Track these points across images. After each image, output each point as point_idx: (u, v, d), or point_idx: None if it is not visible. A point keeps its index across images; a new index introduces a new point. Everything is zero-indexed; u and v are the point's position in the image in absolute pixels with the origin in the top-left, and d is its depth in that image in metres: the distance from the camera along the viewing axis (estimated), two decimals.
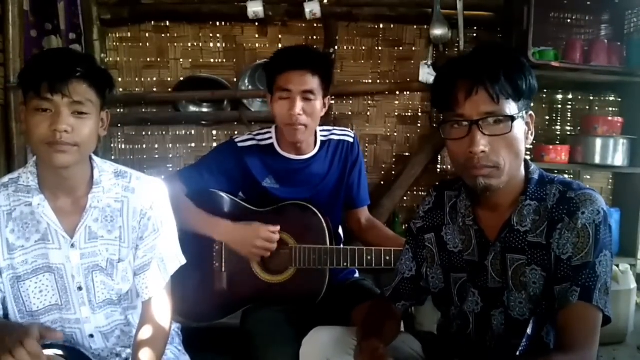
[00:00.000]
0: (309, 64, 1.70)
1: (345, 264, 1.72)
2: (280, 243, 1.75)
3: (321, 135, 1.87)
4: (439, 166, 3.19)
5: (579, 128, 3.09)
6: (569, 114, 3.18)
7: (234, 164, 1.81)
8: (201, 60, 3.10)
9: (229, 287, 1.79)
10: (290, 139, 1.75)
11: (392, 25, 3.11)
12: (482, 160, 1.11)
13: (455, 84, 1.13)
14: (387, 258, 1.70)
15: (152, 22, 3.05)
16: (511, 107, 1.11)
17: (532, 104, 1.19)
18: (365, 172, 1.97)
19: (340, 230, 2.00)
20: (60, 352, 1.30)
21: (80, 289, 1.35)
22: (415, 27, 3.09)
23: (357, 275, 1.96)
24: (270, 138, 1.84)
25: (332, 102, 3.09)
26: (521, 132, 1.14)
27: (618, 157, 2.77)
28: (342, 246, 1.79)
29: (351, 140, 1.91)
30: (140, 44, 3.07)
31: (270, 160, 1.82)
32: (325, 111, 1.80)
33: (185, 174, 1.83)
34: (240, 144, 1.83)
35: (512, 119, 1.11)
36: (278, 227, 1.72)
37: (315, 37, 3.08)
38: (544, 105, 3.14)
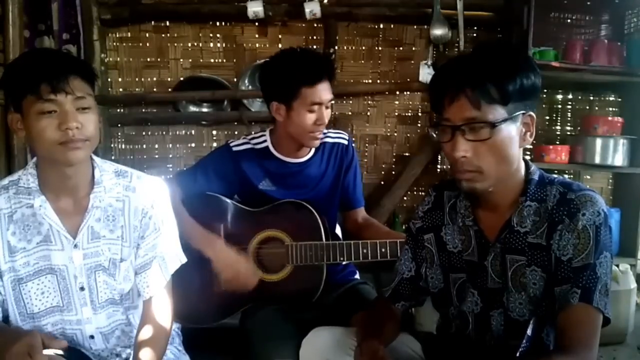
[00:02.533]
0: (330, 74, 1.75)
1: (342, 259, 1.72)
2: (276, 241, 1.76)
3: None
4: (439, 166, 3.19)
5: (579, 128, 3.09)
6: (569, 114, 3.18)
7: (230, 168, 1.82)
8: (201, 60, 3.10)
9: (227, 288, 1.79)
10: (310, 144, 1.78)
11: (392, 25, 3.11)
12: (464, 164, 1.13)
13: (443, 89, 1.14)
14: (383, 250, 1.71)
15: (152, 22, 3.05)
16: (497, 112, 1.10)
17: (534, 104, 1.15)
18: (360, 174, 1.98)
19: (338, 230, 2.00)
20: (60, 352, 1.30)
21: (82, 289, 1.35)
22: (415, 27, 3.10)
23: (357, 276, 1.96)
24: (265, 141, 1.84)
25: (332, 102, 3.08)
26: (509, 136, 1.12)
27: (618, 157, 2.78)
28: (337, 241, 1.79)
29: (345, 142, 1.91)
30: (140, 44, 3.07)
31: (266, 163, 1.83)
32: None
33: (181, 178, 1.84)
34: (235, 148, 1.84)
35: (493, 125, 1.09)
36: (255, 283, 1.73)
37: (315, 37, 3.09)
38: (544, 105, 3.14)
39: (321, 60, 1.77)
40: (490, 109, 1.10)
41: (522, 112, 1.13)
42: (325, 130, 1.91)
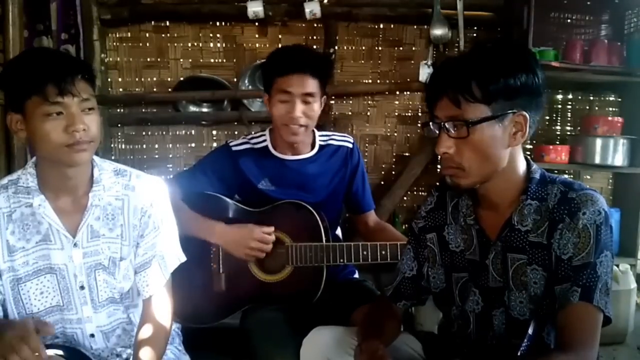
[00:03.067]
0: (310, 67, 1.70)
1: (342, 260, 1.73)
2: (276, 242, 1.76)
3: (320, 140, 1.88)
4: (439, 166, 3.18)
5: (579, 128, 3.09)
6: (569, 114, 3.18)
7: (229, 168, 1.82)
8: (201, 60, 3.10)
9: (227, 288, 1.79)
10: (288, 139, 1.76)
11: (392, 25, 3.11)
12: (446, 161, 1.16)
13: (432, 89, 1.17)
14: (383, 252, 1.71)
15: (152, 22, 3.05)
16: (478, 111, 1.10)
17: (528, 104, 1.12)
18: (367, 177, 1.98)
19: (339, 232, 2.00)
20: (60, 352, 1.30)
21: (82, 288, 1.35)
22: (415, 27, 3.09)
23: (357, 275, 1.96)
24: (265, 140, 1.85)
25: (332, 102, 3.10)
26: (490, 135, 1.12)
27: (618, 157, 2.77)
28: (337, 243, 1.79)
29: (350, 145, 1.91)
30: (140, 44, 3.07)
31: (265, 162, 1.83)
32: (320, 110, 1.80)
33: (180, 178, 1.85)
34: (234, 148, 1.84)
35: (469, 123, 1.10)
36: (272, 228, 1.73)
37: (315, 37, 3.08)
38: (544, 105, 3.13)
39: (301, 53, 1.77)
40: (471, 107, 1.11)
41: (510, 111, 1.12)
42: (330, 133, 1.92)
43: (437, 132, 1.16)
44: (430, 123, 1.19)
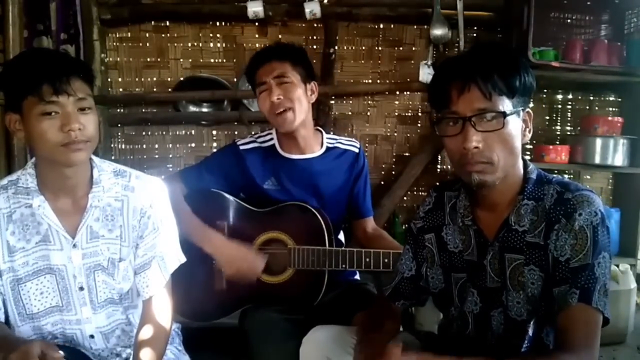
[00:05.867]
0: (274, 55, 1.76)
1: (344, 266, 1.72)
2: (279, 244, 1.75)
3: (327, 142, 1.88)
4: (439, 166, 3.19)
5: (579, 128, 3.09)
6: (569, 114, 3.18)
7: (236, 166, 1.82)
8: (201, 60, 3.10)
9: (228, 286, 1.79)
10: (281, 129, 1.77)
11: (392, 25, 3.11)
12: (476, 156, 1.13)
13: (450, 82, 1.14)
14: (386, 260, 1.70)
15: (152, 22, 3.06)
16: (505, 104, 1.12)
17: (530, 102, 1.19)
18: (370, 184, 1.98)
19: (342, 236, 2.00)
20: (60, 352, 1.30)
21: (81, 289, 1.35)
22: (415, 27, 3.10)
23: (357, 277, 1.96)
24: (272, 139, 1.85)
25: (332, 102, 3.10)
26: (516, 128, 1.15)
27: (618, 157, 2.78)
28: (340, 248, 1.79)
29: (356, 150, 1.92)
30: (140, 44, 3.08)
31: (272, 161, 1.82)
32: (315, 97, 1.83)
33: (186, 174, 1.84)
34: (242, 147, 1.84)
35: (505, 114, 1.11)
36: (263, 266, 1.74)
37: (315, 37, 3.09)
38: (544, 105, 3.14)
39: (266, 47, 1.85)
40: (499, 100, 1.12)
41: (522, 107, 1.16)
42: (337, 137, 1.93)
43: (461, 127, 1.13)
44: (450, 118, 1.15)
